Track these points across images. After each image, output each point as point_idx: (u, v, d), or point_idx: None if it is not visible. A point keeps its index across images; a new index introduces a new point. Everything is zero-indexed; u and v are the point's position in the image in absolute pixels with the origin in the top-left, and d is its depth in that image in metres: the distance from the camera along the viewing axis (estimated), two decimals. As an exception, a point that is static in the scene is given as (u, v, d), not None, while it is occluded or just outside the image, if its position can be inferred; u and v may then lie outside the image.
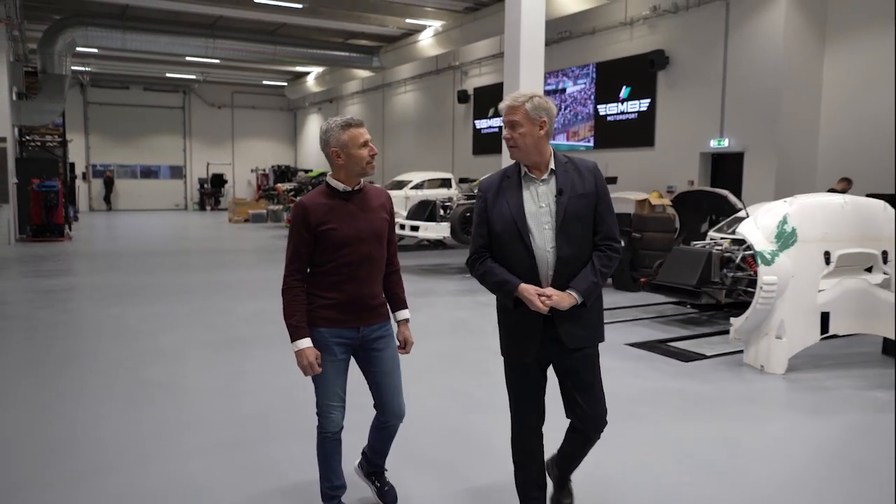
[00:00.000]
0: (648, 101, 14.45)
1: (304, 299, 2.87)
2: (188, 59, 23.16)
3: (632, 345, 6.60)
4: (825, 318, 5.75)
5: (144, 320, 7.47)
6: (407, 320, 3.11)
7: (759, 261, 5.67)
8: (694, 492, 3.52)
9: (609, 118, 15.43)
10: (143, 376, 5.41)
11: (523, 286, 2.69)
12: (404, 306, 3.11)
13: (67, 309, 8.22)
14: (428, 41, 19.04)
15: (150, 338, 6.67)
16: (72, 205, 19.88)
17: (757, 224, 5.91)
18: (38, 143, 19.62)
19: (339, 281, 2.85)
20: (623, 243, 9.64)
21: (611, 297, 9.06)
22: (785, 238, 5.69)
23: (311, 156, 31.86)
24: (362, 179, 2.93)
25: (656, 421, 4.57)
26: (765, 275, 5.61)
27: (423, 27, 19.11)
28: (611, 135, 15.39)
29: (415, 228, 11.89)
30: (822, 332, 5.76)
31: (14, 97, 16.62)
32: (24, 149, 19.01)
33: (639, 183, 13.42)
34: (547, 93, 16.30)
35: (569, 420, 2.91)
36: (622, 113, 15.12)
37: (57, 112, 18.24)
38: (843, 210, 5.91)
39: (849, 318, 5.85)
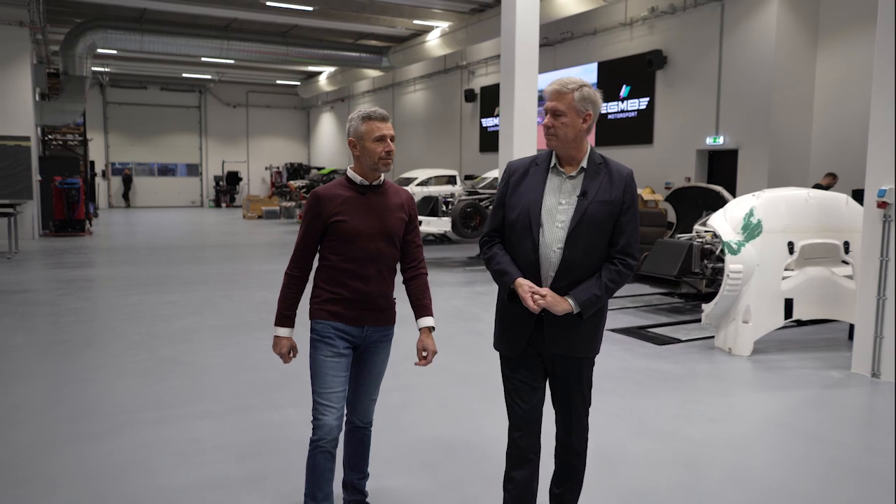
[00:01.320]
0: (647, 99, 14.84)
1: (300, 289, 2.84)
2: (204, 59, 23.77)
3: (612, 330, 7.05)
4: (789, 304, 6.18)
5: (161, 307, 8.03)
6: (430, 328, 2.89)
7: (726, 250, 6.11)
8: (637, 451, 3.99)
9: (610, 116, 15.83)
10: (158, 354, 5.95)
11: (520, 281, 2.56)
12: (427, 313, 2.91)
13: (89, 297, 8.80)
14: (435, 41, 19.51)
15: (166, 322, 7.22)
16: (92, 202, 20.57)
17: (725, 216, 6.35)
18: (60, 142, 20.31)
19: (347, 277, 2.76)
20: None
21: (602, 288, 9.49)
22: (751, 229, 6.13)
23: (324, 154, 32.47)
24: (383, 176, 2.85)
25: (619, 394, 5.03)
26: (731, 263, 6.05)
27: (431, 28, 19.59)
28: (611, 132, 15.80)
29: (419, 223, 12.39)
30: (787, 317, 6.19)
31: (37, 98, 17.29)
32: (46, 147, 19.71)
33: (638, 179, 13.75)
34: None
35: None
36: (622, 111, 15.52)
37: (78, 112, 18.91)
38: (806, 204, 6.33)
39: (812, 304, 6.28)
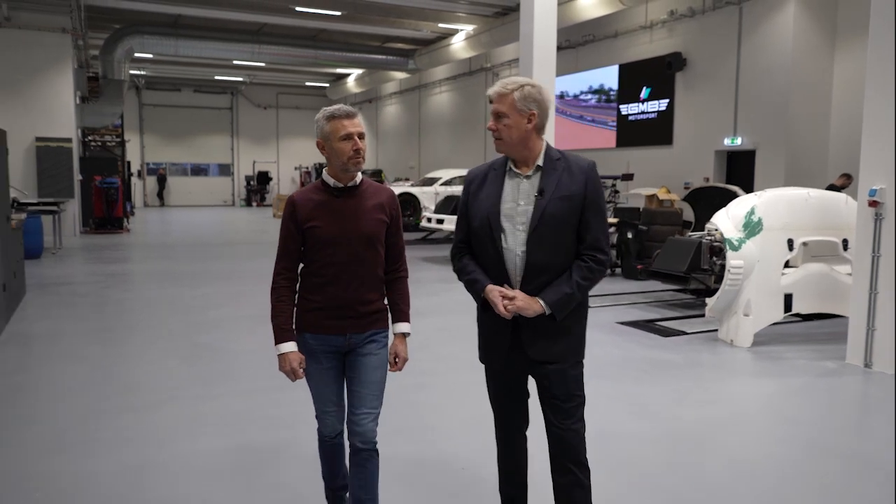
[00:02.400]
0: (667, 101, 15.09)
1: (290, 300, 2.74)
2: (236, 62, 24.47)
3: (621, 323, 7.40)
4: (788, 298, 6.48)
5: (196, 299, 8.56)
6: (404, 335, 2.80)
7: (728, 247, 6.43)
8: (631, 428, 4.36)
9: (630, 118, 16.10)
10: (195, 340, 6.46)
11: (489, 287, 2.53)
12: (403, 319, 2.82)
13: (129, 289, 9.37)
14: (460, 44, 19.93)
15: (201, 312, 7.74)
16: (128, 200, 21.36)
17: (728, 214, 6.66)
18: (99, 143, 21.14)
19: (323, 283, 2.67)
20: (631, 236, 10.56)
21: (618, 285, 9.84)
22: (752, 227, 6.44)
23: (352, 154, 33.05)
24: (360, 176, 2.75)
25: (619, 380, 5.39)
26: (732, 259, 6.37)
27: (456, 31, 20.01)
28: (632, 134, 16.06)
29: (440, 221, 12.83)
30: (786, 311, 6.49)
31: (78, 101, 18.07)
32: (86, 148, 20.54)
33: (658, 180, 14.09)
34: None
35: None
36: (642, 113, 15.78)
37: (116, 114, 19.69)
38: (806, 203, 6.62)
39: (811, 299, 6.57)
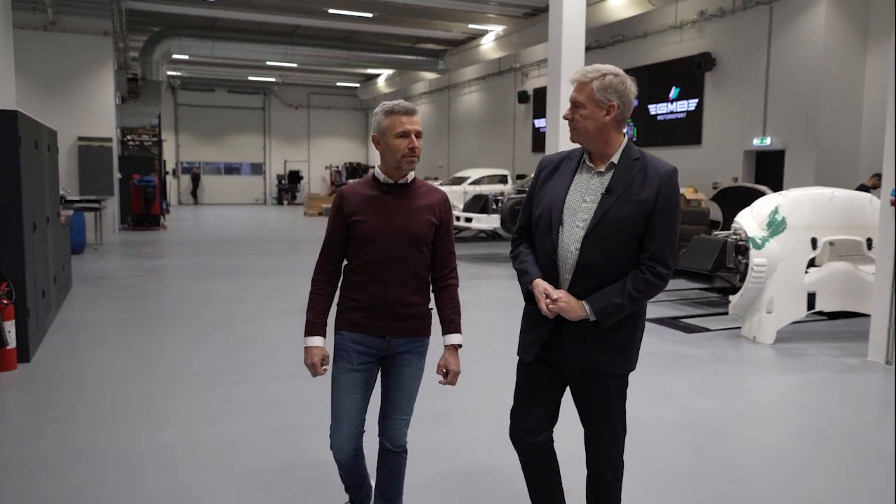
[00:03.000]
0: (696, 101, 15.12)
1: (328, 294, 2.69)
2: (269, 63, 24.94)
3: (647, 319, 7.52)
4: (811, 296, 6.57)
5: (232, 292, 8.89)
6: (455, 346, 2.69)
7: (751, 245, 6.54)
8: (650, 416, 4.53)
9: (659, 117, 16.14)
10: (234, 330, 6.76)
11: (537, 282, 2.40)
12: (454, 330, 2.70)
13: (169, 283, 9.75)
14: (489, 45, 20.11)
15: (238, 305, 8.06)
16: (164, 199, 21.95)
17: (752, 214, 6.77)
18: (137, 143, 21.73)
19: (365, 282, 2.60)
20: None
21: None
22: (776, 226, 6.54)
23: (381, 153, 33.43)
24: (414, 174, 2.69)
25: (641, 372, 5.50)
26: (755, 257, 6.48)
27: (485, 32, 20.20)
28: (661, 133, 16.10)
29: (468, 220, 13.06)
30: (809, 309, 6.58)
31: (118, 101, 18.63)
32: (125, 148, 21.14)
33: (686, 179, 14.11)
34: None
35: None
36: (671, 112, 15.82)
37: (154, 114, 20.25)
38: (830, 202, 6.70)
39: (834, 297, 6.65)
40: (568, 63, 9.89)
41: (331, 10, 18.31)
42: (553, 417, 2.59)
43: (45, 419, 4.37)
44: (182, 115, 32.68)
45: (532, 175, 2.60)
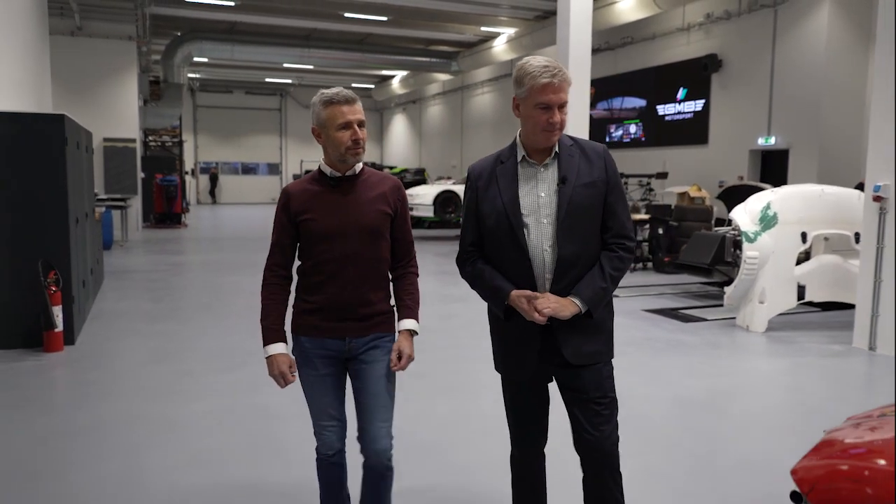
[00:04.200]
0: (703, 101, 15.45)
1: (282, 299, 2.54)
2: (285, 65, 25.48)
3: (646, 310, 7.94)
4: (802, 287, 6.95)
5: (255, 285, 9.31)
6: (410, 332, 2.52)
7: (744, 239, 6.93)
8: (641, 392, 4.95)
9: (667, 118, 16.49)
10: (258, 319, 7.23)
11: (515, 293, 2.29)
12: (410, 315, 2.54)
13: (194, 277, 10.27)
14: (502, 47, 20.52)
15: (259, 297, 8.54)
16: (183, 198, 22.57)
17: (746, 209, 7.16)
18: (159, 143, 22.35)
19: (321, 282, 2.44)
20: (661, 231, 11.04)
21: (649, 278, 10.35)
22: (767, 221, 6.92)
23: (396, 153, 33.94)
24: (362, 164, 2.52)
25: (637, 356, 5.97)
26: (748, 250, 6.87)
27: (497, 34, 20.61)
28: (668, 133, 16.45)
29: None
30: (799, 299, 6.96)
31: (141, 104, 19.24)
32: (146, 148, 21.77)
33: (693, 178, 14.48)
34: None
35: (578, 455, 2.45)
36: (679, 113, 16.16)
37: (175, 116, 20.86)
38: (819, 198, 7.08)
39: (823, 288, 7.02)
40: (576, 64, 10.29)
41: (346, 14, 18.81)
42: (546, 430, 2.56)
43: (93, 392, 4.87)
44: (200, 116, 33.36)
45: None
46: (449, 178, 24.03)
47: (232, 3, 17.80)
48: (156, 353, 5.88)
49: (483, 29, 20.21)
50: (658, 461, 3.79)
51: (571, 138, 2.41)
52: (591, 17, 10.62)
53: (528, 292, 2.28)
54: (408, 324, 2.53)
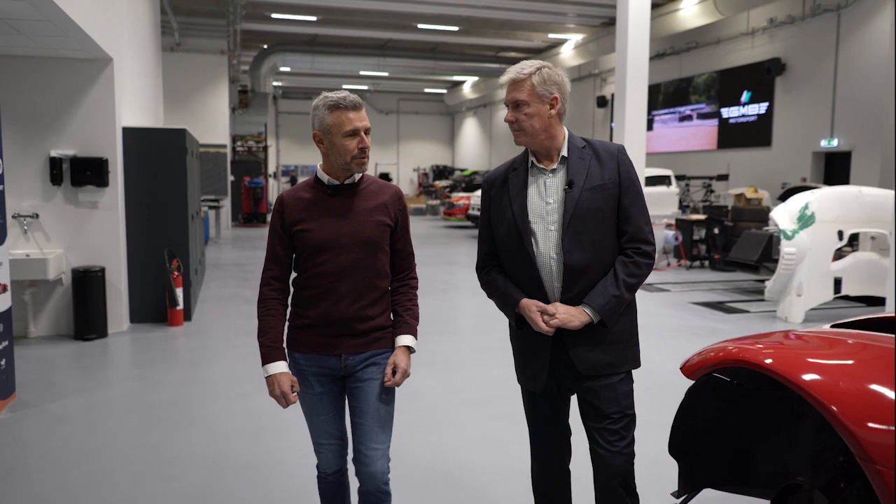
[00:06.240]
0: (766, 104, 15.72)
1: (280, 314, 2.42)
2: (362, 73, 26.81)
3: (694, 302, 8.55)
4: (838, 282, 7.45)
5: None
6: (407, 348, 2.40)
7: (782, 237, 7.48)
8: (667, 367, 5.64)
9: (731, 121, 16.79)
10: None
11: (524, 302, 2.26)
12: (408, 331, 2.42)
13: (283, 270, 11.44)
14: (569, 53, 21.16)
15: (342, 286, 9.59)
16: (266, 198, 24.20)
17: (785, 209, 7.70)
18: (246, 148, 24.01)
19: (316, 295, 2.34)
20: (717, 231, 11.54)
21: (704, 275, 10.89)
22: (805, 219, 7.46)
23: (467, 156, 34.92)
24: (362, 172, 2.39)
25: (672, 340, 6.64)
26: (786, 247, 7.42)
27: (564, 40, 21.27)
28: (732, 136, 16.76)
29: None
30: (836, 293, 7.46)
31: (230, 112, 20.83)
32: (235, 153, 23.45)
33: (757, 180, 14.83)
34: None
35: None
36: (743, 116, 16.45)
37: (261, 123, 22.43)
38: (857, 198, 7.55)
39: (859, 282, 7.50)
40: (633, 72, 10.93)
41: (419, 25, 19.87)
42: (569, 446, 2.49)
43: (208, 356, 5.96)
44: (282, 122, 35.21)
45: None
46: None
47: (314, 18, 19.12)
48: (254, 329, 6.94)
49: (550, 36, 20.91)
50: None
51: (585, 140, 2.34)
52: (650, 24, 11.23)
53: (538, 303, 2.23)
54: (405, 340, 2.41)
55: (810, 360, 1.94)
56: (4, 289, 4.61)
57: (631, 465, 2.27)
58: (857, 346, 2.02)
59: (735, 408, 2.24)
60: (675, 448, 2.19)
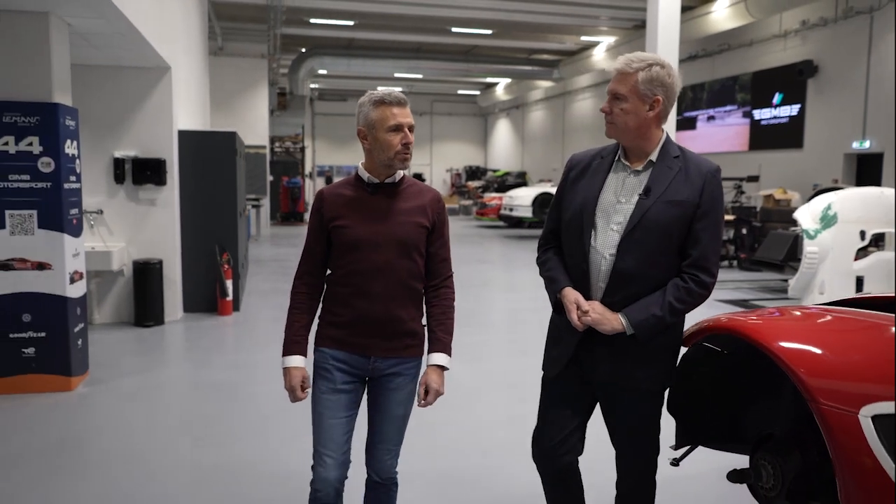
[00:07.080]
0: (798, 106, 15.78)
1: (309, 308, 2.43)
2: (396, 75, 27.33)
3: (718, 300, 8.80)
4: (860, 280, 7.65)
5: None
6: (439, 367, 2.38)
7: (805, 236, 7.71)
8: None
9: (763, 122, 16.88)
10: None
11: (566, 291, 2.23)
12: (441, 349, 2.39)
13: (321, 266, 11.94)
14: (602, 55, 21.36)
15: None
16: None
17: (808, 209, 7.92)
18: (283, 149, 24.69)
19: (349, 294, 2.33)
20: (745, 231, 11.73)
21: (733, 275, 11.09)
22: (828, 220, 7.67)
23: (499, 157, 35.26)
24: (403, 172, 2.41)
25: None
26: (808, 246, 7.64)
27: (597, 43, 21.48)
28: (764, 138, 16.85)
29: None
30: (857, 291, 7.66)
31: (269, 113, 21.48)
32: (273, 154, 24.12)
33: (788, 182, 14.92)
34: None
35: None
36: (775, 117, 16.53)
37: (299, 124, 23.07)
38: (878, 199, 7.74)
39: (881, 281, 7.68)
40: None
41: (453, 29, 20.29)
42: (580, 438, 2.38)
43: (256, 343, 6.44)
44: (318, 123, 35.96)
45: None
46: (549, 180, 25.08)
47: (351, 23, 19.66)
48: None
49: (583, 38, 21.15)
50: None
51: (681, 149, 2.24)
52: (680, 27, 11.46)
53: (579, 296, 2.21)
54: (438, 359, 2.38)
55: (783, 328, 2.29)
56: (81, 276, 5.13)
57: (646, 481, 2.35)
58: (834, 321, 2.35)
59: (726, 374, 2.57)
60: (673, 407, 2.53)
